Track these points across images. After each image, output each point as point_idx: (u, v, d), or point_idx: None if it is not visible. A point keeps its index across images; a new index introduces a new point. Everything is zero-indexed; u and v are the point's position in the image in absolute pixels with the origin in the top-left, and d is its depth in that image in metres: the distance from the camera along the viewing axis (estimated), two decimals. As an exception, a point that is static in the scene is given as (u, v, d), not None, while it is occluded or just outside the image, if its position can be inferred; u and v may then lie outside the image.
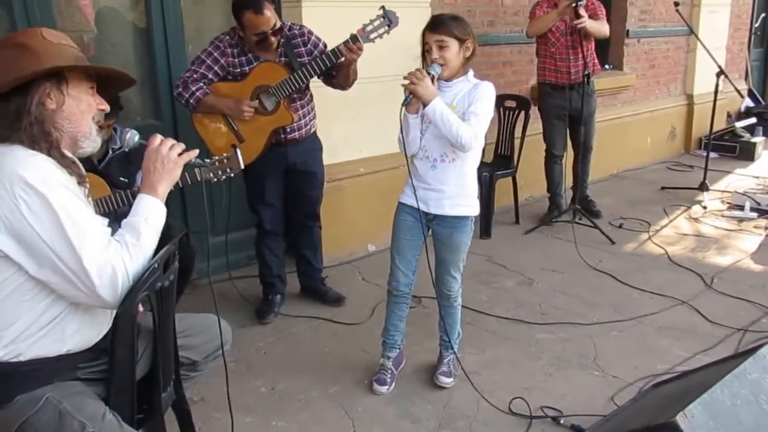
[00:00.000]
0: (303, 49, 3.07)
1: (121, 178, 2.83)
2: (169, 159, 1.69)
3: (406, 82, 2.29)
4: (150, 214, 1.62)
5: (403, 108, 2.35)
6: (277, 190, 3.26)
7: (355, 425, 2.49)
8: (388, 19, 2.85)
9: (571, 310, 3.38)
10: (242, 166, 2.18)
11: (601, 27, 4.41)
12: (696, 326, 3.18)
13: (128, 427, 1.56)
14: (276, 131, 3.06)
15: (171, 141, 1.72)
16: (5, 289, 1.48)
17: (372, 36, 2.86)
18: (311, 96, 3.22)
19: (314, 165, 3.28)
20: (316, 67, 2.94)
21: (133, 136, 1.90)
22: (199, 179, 2.19)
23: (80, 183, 1.60)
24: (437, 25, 2.38)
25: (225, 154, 2.18)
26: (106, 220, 1.62)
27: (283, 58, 3.05)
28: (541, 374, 2.80)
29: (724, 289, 3.59)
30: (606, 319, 3.27)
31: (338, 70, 3.05)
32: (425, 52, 2.40)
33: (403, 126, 2.41)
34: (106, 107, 1.69)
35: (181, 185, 2.28)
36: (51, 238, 1.44)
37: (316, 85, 3.21)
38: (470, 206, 2.54)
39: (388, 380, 2.70)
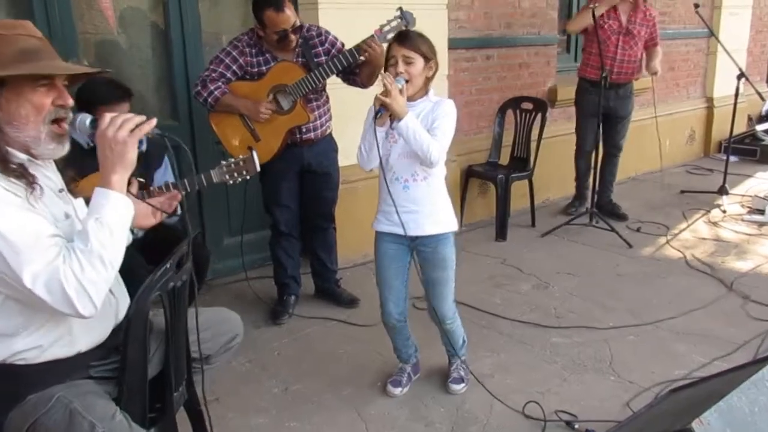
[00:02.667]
0: (320, 48, 3.09)
1: (138, 179, 2.84)
2: (116, 141, 1.49)
3: (382, 95, 2.24)
4: (102, 210, 1.48)
5: (374, 121, 2.31)
6: (293, 191, 3.27)
7: (368, 427, 2.48)
8: (406, 20, 2.85)
9: (587, 314, 3.35)
10: (258, 169, 2.18)
11: (659, 55, 4.65)
12: (714, 332, 3.14)
13: (138, 427, 1.56)
14: (292, 131, 3.08)
15: (120, 119, 1.52)
16: None
17: (389, 36, 2.86)
18: (327, 97, 3.23)
19: (329, 166, 3.29)
20: (333, 66, 2.96)
21: (83, 120, 1.63)
22: (215, 182, 2.20)
23: (29, 185, 1.47)
24: (406, 40, 2.36)
25: (241, 157, 2.19)
26: (66, 226, 1.52)
27: (300, 59, 3.07)
28: (555, 378, 2.77)
29: (743, 295, 3.53)
30: (622, 323, 3.24)
31: (362, 68, 3.06)
32: (389, 66, 2.36)
33: (368, 139, 2.37)
34: (67, 102, 1.55)
35: (197, 188, 2.30)
36: None
37: (331, 87, 3.22)
38: (449, 222, 2.48)
39: (404, 382, 2.69)
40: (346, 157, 3.50)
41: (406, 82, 2.31)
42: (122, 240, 1.52)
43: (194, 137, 3.65)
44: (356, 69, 3.09)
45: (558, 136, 5.19)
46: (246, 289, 3.59)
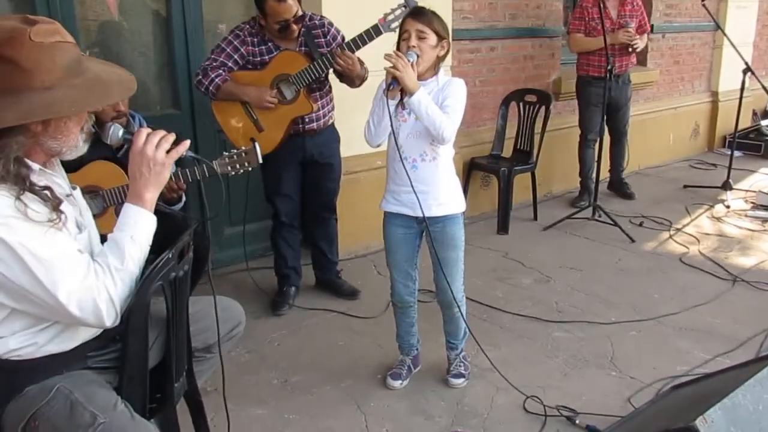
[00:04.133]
0: (323, 40, 3.07)
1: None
2: (155, 161, 1.54)
3: (389, 65, 2.20)
4: (136, 228, 1.53)
5: (385, 93, 2.25)
6: (294, 181, 3.25)
7: (367, 420, 2.47)
8: (409, 8, 2.82)
9: (589, 309, 3.33)
10: (260, 161, 2.17)
11: (644, 42, 4.94)
12: (717, 328, 3.12)
13: (140, 418, 1.55)
14: (295, 121, 3.05)
15: (158, 136, 1.56)
16: None
17: (393, 25, 2.84)
18: (330, 87, 3.21)
19: (332, 157, 3.27)
20: (324, 64, 2.95)
21: (116, 131, 1.70)
22: (217, 172, 2.19)
23: (55, 209, 1.45)
24: (421, 15, 2.33)
25: (243, 148, 2.18)
26: (84, 239, 1.52)
27: (303, 48, 3.04)
28: (556, 373, 2.76)
29: (746, 291, 3.52)
30: (624, 318, 3.22)
31: (341, 76, 3.06)
32: (402, 39, 2.33)
33: (377, 112, 2.32)
34: (98, 109, 1.59)
35: (199, 178, 2.28)
36: (20, 280, 1.38)
37: (334, 77, 3.19)
38: (457, 203, 2.46)
39: (404, 375, 2.68)
40: (349, 148, 3.48)
41: (417, 57, 2.28)
42: (146, 256, 1.55)
43: (195, 126, 3.63)
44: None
45: (562, 129, 5.16)
46: (246, 279, 3.58)
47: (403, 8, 2.83)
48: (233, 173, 2.15)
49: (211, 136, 3.57)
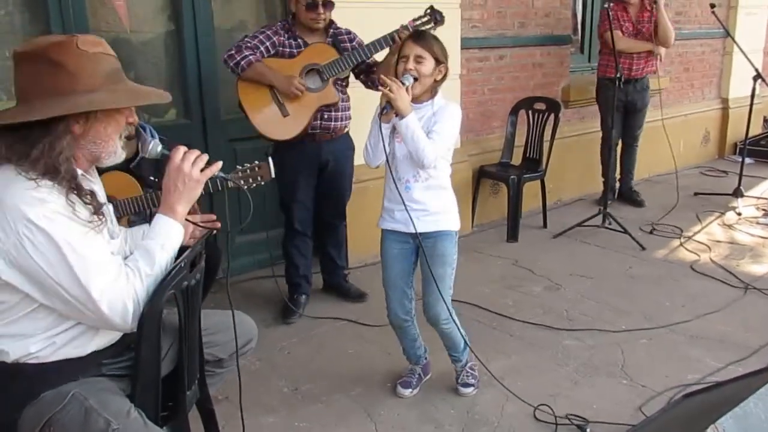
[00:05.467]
0: (348, 44, 3.14)
1: (152, 177, 2.86)
2: (191, 177, 1.62)
3: (386, 90, 2.23)
4: (167, 239, 1.60)
5: (379, 117, 2.30)
6: (310, 189, 3.28)
7: (378, 428, 2.48)
8: (435, 18, 2.96)
9: (600, 317, 3.32)
10: (273, 176, 2.20)
11: (669, 26, 4.79)
12: (729, 336, 3.10)
13: (153, 425, 1.56)
14: (319, 111, 3.09)
15: (194, 154, 1.64)
16: (19, 312, 1.50)
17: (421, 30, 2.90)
18: (348, 97, 3.26)
19: (346, 164, 3.32)
20: (365, 52, 3.03)
21: (155, 146, 1.77)
22: (229, 186, 2.21)
23: (95, 213, 1.52)
24: (421, 38, 2.37)
25: (257, 162, 2.21)
26: (116, 245, 1.58)
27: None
28: (567, 381, 2.75)
29: (758, 298, 3.49)
30: (635, 326, 3.21)
31: (379, 65, 3.13)
32: (400, 62, 2.36)
33: (374, 135, 2.36)
34: (135, 120, 1.65)
35: (211, 191, 2.31)
36: (57, 274, 1.43)
37: (350, 87, 3.23)
38: (451, 221, 2.47)
39: (413, 384, 2.68)
40: (358, 157, 3.49)
41: (415, 80, 2.30)
42: (171, 265, 1.61)
43: (206, 136, 3.65)
44: (374, 67, 3.13)
45: (571, 136, 5.16)
46: (256, 288, 3.60)
47: (429, 16, 2.94)
48: (246, 187, 2.18)
49: (222, 146, 3.60)
